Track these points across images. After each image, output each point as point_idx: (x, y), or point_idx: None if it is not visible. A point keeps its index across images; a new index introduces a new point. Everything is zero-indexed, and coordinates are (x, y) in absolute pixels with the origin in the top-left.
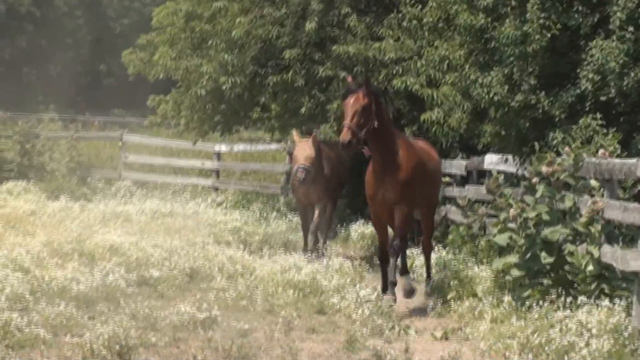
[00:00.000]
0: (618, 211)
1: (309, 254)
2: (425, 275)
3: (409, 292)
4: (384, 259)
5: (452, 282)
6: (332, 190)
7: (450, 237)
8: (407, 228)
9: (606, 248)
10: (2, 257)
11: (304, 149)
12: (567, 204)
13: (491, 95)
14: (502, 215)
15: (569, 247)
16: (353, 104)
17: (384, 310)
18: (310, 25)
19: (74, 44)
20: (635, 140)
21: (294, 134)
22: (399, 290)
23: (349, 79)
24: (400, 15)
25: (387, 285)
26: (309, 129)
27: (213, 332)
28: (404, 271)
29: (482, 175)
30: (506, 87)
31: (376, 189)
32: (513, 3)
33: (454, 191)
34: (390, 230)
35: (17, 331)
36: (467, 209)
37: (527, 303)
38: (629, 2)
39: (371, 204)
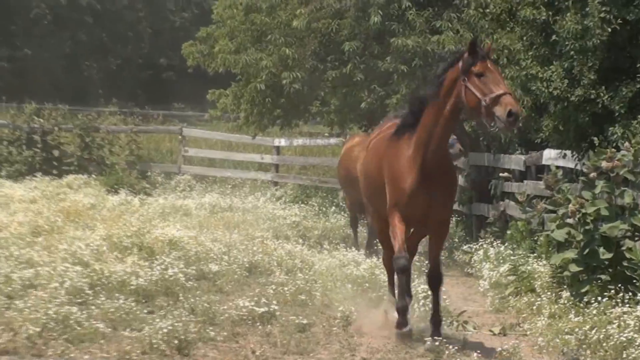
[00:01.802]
0: None
1: (359, 250)
2: (430, 317)
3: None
4: (405, 268)
5: (509, 278)
6: None
7: (509, 232)
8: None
9: None
10: (62, 251)
11: None
12: (627, 199)
13: (551, 90)
14: (561, 211)
15: (628, 242)
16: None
17: (443, 305)
18: (374, 18)
19: (134, 37)
20: None
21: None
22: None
23: (488, 43)
24: (462, 6)
25: (403, 310)
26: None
27: (271, 326)
28: (435, 322)
29: (540, 170)
30: (566, 81)
31: (417, 191)
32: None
33: (512, 186)
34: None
35: (77, 325)
36: (526, 205)
37: (586, 299)
38: None
39: (405, 197)
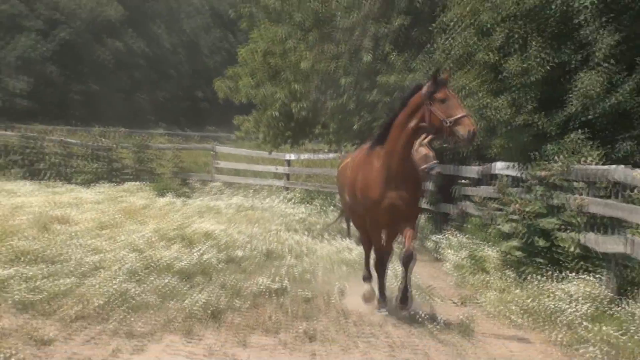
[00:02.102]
0: (600, 206)
1: (351, 239)
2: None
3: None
4: (384, 259)
5: (467, 261)
6: None
7: (467, 226)
8: (410, 258)
9: (589, 235)
10: (121, 241)
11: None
12: (559, 200)
13: (499, 116)
14: (507, 209)
15: (559, 234)
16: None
17: (416, 282)
18: (366, 57)
19: (177, 75)
20: (614, 150)
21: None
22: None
23: (445, 75)
24: (431, 50)
25: (383, 297)
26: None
27: (284, 298)
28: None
29: (492, 178)
30: (511, 109)
31: (384, 195)
32: (517, 45)
33: (469, 191)
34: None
35: (133, 298)
36: (480, 205)
37: (526, 277)
38: (608, 42)
39: (370, 206)
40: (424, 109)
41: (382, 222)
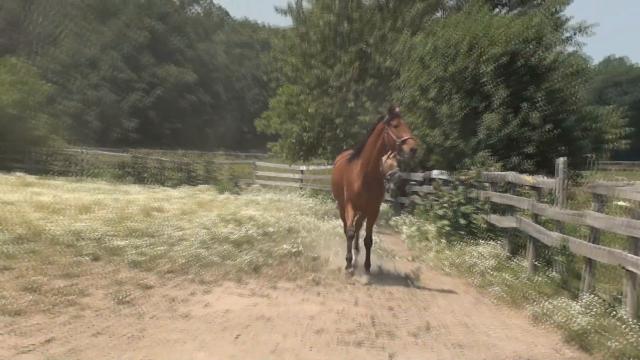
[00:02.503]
0: (499, 198)
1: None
2: (364, 261)
3: (369, 281)
4: (351, 234)
5: (416, 233)
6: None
7: (415, 211)
8: (369, 241)
9: (493, 216)
10: (196, 222)
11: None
12: (473, 194)
13: (435, 141)
14: (441, 200)
15: (474, 216)
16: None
17: (382, 246)
18: (350, 104)
19: (230, 117)
20: (508, 162)
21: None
22: (362, 276)
23: (391, 108)
24: (391, 99)
25: (349, 262)
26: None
27: (299, 258)
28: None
29: (430, 180)
30: (442, 137)
31: (361, 192)
32: (445, 97)
33: (417, 188)
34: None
35: (203, 259)
36: (423, 197)
37: (453, 243)
38: (503, 95)
39: (351, 194)
40: (384, 132)
41: (357, 206)
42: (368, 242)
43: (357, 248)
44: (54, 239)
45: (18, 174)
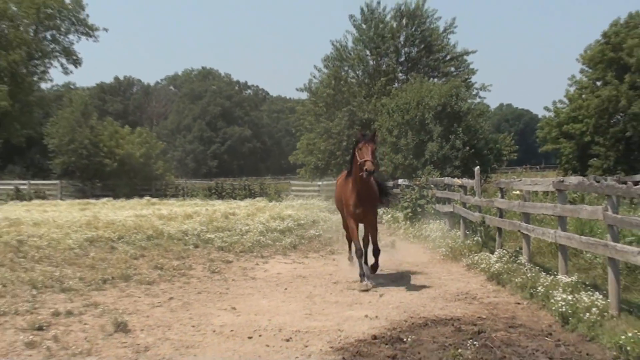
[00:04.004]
0: (441, 194)
1: None
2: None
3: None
4: (360, 253)
5: (391, 219)
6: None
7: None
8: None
9: (437, 205)
10: (257, 220)
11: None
12: (425, 193)
13: (399, 162)
14: (405, 197)
15: (426, 205)
16: (369, 146)
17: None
18: (344, 143)
19: (273, 155)
20: (444, 172)
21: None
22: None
23: (360, 134)
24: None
25: (363, 275)
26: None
27: (320, 238)
28: (374, 267)
29: (398, 186)
30: (403, 159)
31: (356, 207)
32: (403, 134)
33: (391, 191)
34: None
35: (262, 242)
36: (394, 196)
37: (414, 223)
38: (439, 130)
39: (347, 212)
40: (356, 153)
41: (357, 218)
42: (376, 253)
43: (366, 262)
44: (170, 236)
45: (146, 198)
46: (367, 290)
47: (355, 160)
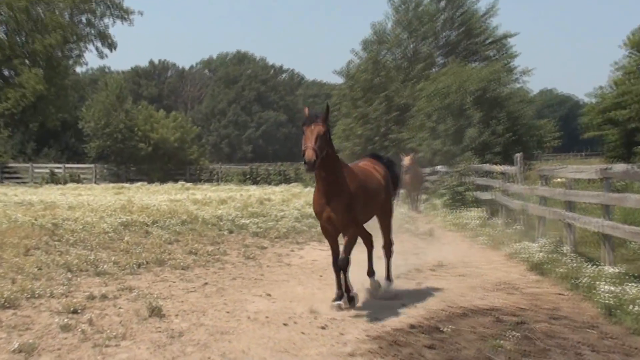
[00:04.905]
0: (481, 181)
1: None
2: (385, 276)
3: (375, 290)
4: (337, 267)
5: (429, 206)
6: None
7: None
8: (353, 244)
9: (477, 192)
10: (292, 206)
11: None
12: (464, 179)
13: (437, 148)
14: (443, 184)
15: (466, 192)
16: (314, 129)
17: (409, 214)
18: (382, 129)
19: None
20: (483, 159)
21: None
22: (366, 291)
23: (306, 110)
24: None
25: (339, 294)
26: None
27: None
28: (371, 273)
29: (436, 172)
30: (442, 145)
31: (322, 208)
32: (442, 119)
33: (427, 178)
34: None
35: (297, 228)
36: (432, 183)
37: (453, 210)
38: (479, 116)
39: (319, 219)
40: None
41: (326, 226)
42: (343, 264)
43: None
44: (205, 221)
45: (180, 182)
46: (340, 309)
47: None
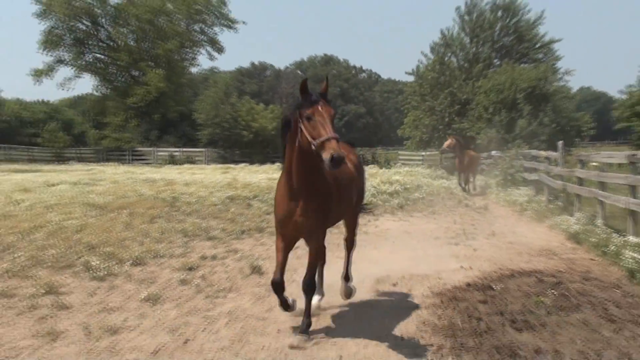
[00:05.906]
0: (528, 164)
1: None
2: (343, 273)
3: (349, 295)
4: (278, 287)
5: (484, 185)
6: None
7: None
8: (319, 259)
9: (525, 174)
10: (369, 184)
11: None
12: (514, 163)
13: (492, 136)
14: (497, 167)
15: (516, 174)
16: (326, 111)
17: (462, 195)
18: (446, 120)
19: (383, 129)
20: (532, 146)
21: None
22: (341, 294)
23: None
24: (470, 115)
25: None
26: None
27: (423, 200)
28: (346, 277)
29: (491, 157)
30: (496, 133)
31: (291, 212)
32: (497, 111)
33: (482, 161)
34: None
35: (373, 203)
36: (488, 165)
37: (505, 189)
38: (528, 109)
39: (280, 225)
40: (298, 126)
41: (286, 233)
42: (307, 286)
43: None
44: None
45: (277, 164)
46: (296, 348)
47: (295, 138)
